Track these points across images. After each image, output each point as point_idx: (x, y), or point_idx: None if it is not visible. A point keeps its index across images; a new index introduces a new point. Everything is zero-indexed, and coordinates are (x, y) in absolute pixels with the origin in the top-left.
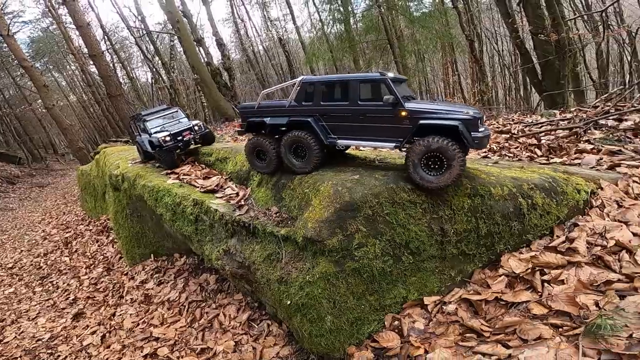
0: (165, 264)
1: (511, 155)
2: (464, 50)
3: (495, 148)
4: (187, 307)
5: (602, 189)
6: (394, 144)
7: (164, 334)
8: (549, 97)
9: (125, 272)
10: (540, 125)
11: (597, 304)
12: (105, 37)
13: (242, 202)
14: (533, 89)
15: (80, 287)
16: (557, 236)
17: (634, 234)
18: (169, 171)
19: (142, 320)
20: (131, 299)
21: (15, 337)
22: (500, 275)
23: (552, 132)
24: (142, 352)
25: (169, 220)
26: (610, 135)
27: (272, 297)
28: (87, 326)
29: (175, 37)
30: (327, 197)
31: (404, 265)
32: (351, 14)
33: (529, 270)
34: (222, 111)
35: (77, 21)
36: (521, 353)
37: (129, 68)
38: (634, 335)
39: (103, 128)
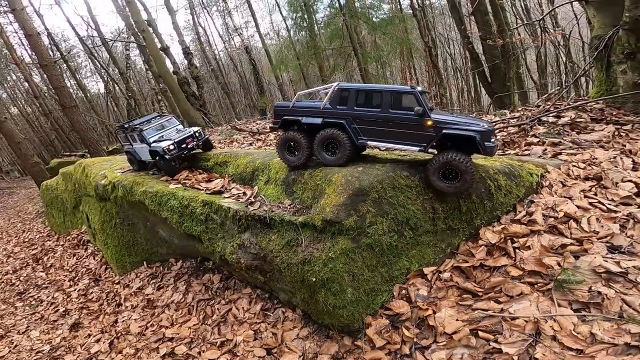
0: (161, 269)
1: None
2: (421, 55)
3: None
4: (195, 306)
5: (549, 172)
6: (418, 148)
7: (178, 334)
8: (498, 98)
9: (116, 281)
10: (494, 123)
11: (558, 264)
12: (54, 46)
13: (253, 199)
14: (483, 90)
15: (69, 299)
16: (519, 211)
17: (578, 207)
18: (168, 178)
19: (150, 323)
20: (131, 305)
21: (10, 351)
22: (480, 246)
23: (505, 129)
24: (158, 352)
25: (176, 223)
26: (552, 130)
27: (291, 281)
28: (90, 335)
29: (130, 46)
30: (340, 186)
31: (406, 239)
32: (315, 22)
33: (502, 240)
34: (192, 120)
35: (26, 30)
36: (510, 307)
37: (79, 78)
38: (592, 288)
39: (51, 142)
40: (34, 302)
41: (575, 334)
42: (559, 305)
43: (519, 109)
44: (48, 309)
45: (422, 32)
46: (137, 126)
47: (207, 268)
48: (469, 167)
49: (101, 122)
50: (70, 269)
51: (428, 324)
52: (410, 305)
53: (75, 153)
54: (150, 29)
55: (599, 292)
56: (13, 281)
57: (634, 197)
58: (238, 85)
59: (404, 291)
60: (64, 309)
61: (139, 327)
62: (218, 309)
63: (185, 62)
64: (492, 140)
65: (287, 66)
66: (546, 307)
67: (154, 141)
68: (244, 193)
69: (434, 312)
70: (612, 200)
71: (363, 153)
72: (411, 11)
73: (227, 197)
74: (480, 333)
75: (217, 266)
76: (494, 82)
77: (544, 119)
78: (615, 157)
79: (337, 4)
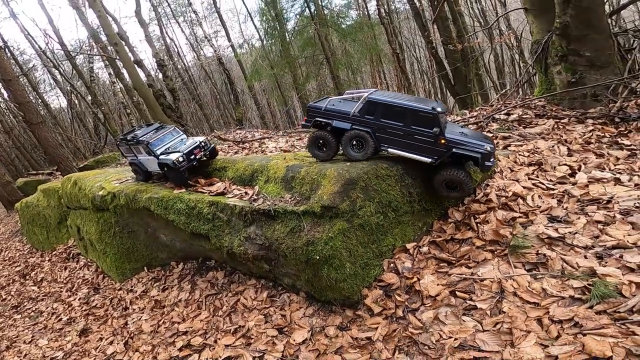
0: (163, 273)
1: None
2: (390, 60)
3: None
4: (204, 301)
5: (500, 161)
6: (430, 160)
7: (191, 327)
8: (460, 99)
9: (118, 288)
10: (456, 122)
11: (511, 233)
12: (14, 60)
13: (255, 197)
14: (448, 95)
15: (71, 308)
16: (478, 193)
17: (523, 187)
18: (173, 185)
19: (161, 321)
20: (138, 307)
21: None
22: (450, 223)
23: (465, 127)
24: (174, 346)
25: (183, 224)
26: (503, 126)
27: (296, 264)
28: (102, 338)
29: (93, 59)
30: (333, 178)
31: (390, 219)
32: (286, 31)
33: (466, 217)
34: None
35: None
36: (478, 271)
37: (39, 92)
38: (539, 252)
39: (11, 162)
40: (32, 314)
41: (531, 290)
42: (515, 267)
43: (477, 108)
44: (50, 318)
45: (390, 38)
46: (142, 139)
47: (209, 267)
48: (466, 180)
49: (68, 138)
50: (64, 281)
51: (415, 289)
52: (399, 276)
53: (42, 172)
54: (123, 42)
55: (544, 255)
56: (4, 296)
57: (568, 177)
58: (209, 96)
59: (392, 265)
60: (67, 317)
61: (151, 326)
62: (227, 301)
63: (160, 74)
64: (492, 160)
65: (261, 75)
66: (505, 269)
67: (162, 153)
68: (246, 192)
69: (419, 280)
70: (551, 180)
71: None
72: (378, 18)
73: (231, 197)
74: (457, 293)
75: (220, 264)
76: (457, 84)
77: (497, 116)
78: (553, 146)
79: (307, 13)
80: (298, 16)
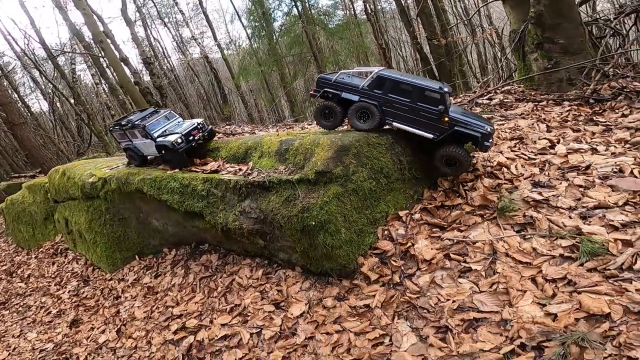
0: (155, 260)
1: None
2: (376, 58)
3: None
4: (198, 284)
5: None
6: (432, 136)
7: (186, 310)
8: None
9: (108, 278)
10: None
11: (498, 198)
12: None
13: (250, 172)
14: None
15: (60, 301)
16: None
17: (507, 158)
18: (166, 167)
19: (155, 307)
20: (130, 295)
21: (10, 354)
22: (439, 191)
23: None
24: (169, 329)
25: (177, 203)
26: (486, 109)
27: (291, 234)
28: (93, 328)
29: (75, 60)
30: (327, 145)
31: (382, 185)
32: (274, 30)
33: (455, 185)
34: None
35: None
36: (470, 234)
37: (20, 95)
38: (525, 214)
39: None
40: (21, 309)
41: (522, 250)
42: (504, 229)
43: (461, 95)
44: (39, 312)
45: (376, 34)
46: (138, 123)
47: (203, 250)
48: (465, 158)
49: (50, 140)
50: (52, 276)
51: (410, 255)
52: (393, 243)
53: (24, 174)
54: (108, 40)
55: (531, 216)
56: None
57: (548, 149)
58: (196, 96)
59: (386, 232)
60: (57, 310)
61: (144, 312)
62: (221, 282)
63: (147, 72)
64: (490, 141)
65: (249, 74)
66: (495, 232)
67: (159, 136)
68: (240, 169)
69: (413, 245)
70: (532, 152)
71: None
72: (365, 16)
73: (225, 174)
74: (452, 256)
75: (213, 246)
76: (442, 78)
77: (479, 101)
78: (533, 124)
79: (294, 12)
80: (285, 15)
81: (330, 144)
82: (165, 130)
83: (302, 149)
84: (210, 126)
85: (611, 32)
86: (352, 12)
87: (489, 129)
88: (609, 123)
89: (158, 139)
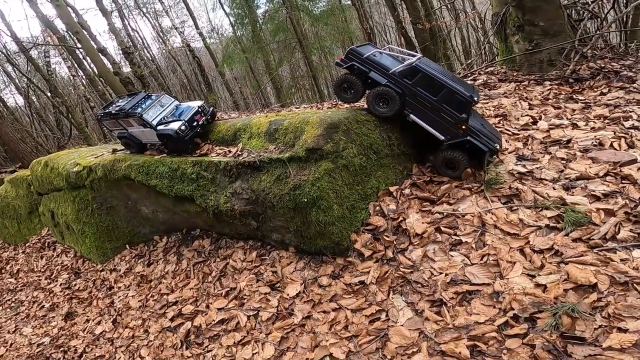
0: (146, 248)
1: None
2: (362, 43)
3: None
4: (192, 269)
5: None
6: (444, 137)
7: (181, 296)
8: None
9: (100, 269)
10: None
11: (484, 171)
12: None
13: (239, 153)
14: None
15: (52, 295)
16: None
17: None
18: (153, 152)
19: (149, 295)
20: (124, 285)
21: (7, 349)
22: (428, 167)
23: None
24: (165, 317)
25: (166, 187)
26: None
27: (284, 213)
28: (88, 320)
29: (50, 53)
30: (316, 123)
31: (372, 161)
32: (257, 17)
33: None
34: None
35: None
36: (459, 207)
37: None
38: (511, 186)
39: None
40: (13, 305)
41: (509, 221)
42: (492, 201)
43: None
44: (32, 307)
45: (361, 20)
46: (132, 112)
47: (195, 236)
48: (464, 162)
49: (28, 134)
50: (42, 270)
51: (402, 229)
52: (385, 218)
53: (4, 170)
54: (84, 31)
55: (517, 188)
56: None
57: (530, 125)
58: (179, 86)
59: (377, 208)
60: (50, 304)
61: (139, 301)
62: (215, 266)
63: (126, 63)
64: (494, 157)
65: (233, 61)
66: (483, 204)
67: (158, 123)
68: (229, 150)
69: (404, 219)
70: (515, 128)
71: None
72: (349, 2)
73: (215, 157)
74: (442, 229)
75: (205, 231)
76: None
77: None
78: (515, 102)
79: None
80: (269, 2)
81: (320, 122)
82: (164, 117)
83: (291, 127)
84: (211, 108)
85: (589, 15)
86: None
87: (498, 146)
88: (588, 101)
89: (159, 127)
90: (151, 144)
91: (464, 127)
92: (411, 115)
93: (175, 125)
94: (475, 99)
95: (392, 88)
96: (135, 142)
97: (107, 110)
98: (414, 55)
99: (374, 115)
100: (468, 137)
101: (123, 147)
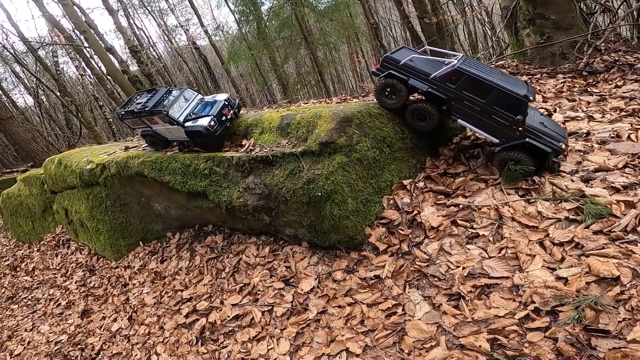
0: (159, 245)
1: None
2: (367, 39)
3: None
4: (205, 265)
5: None
6: (498, 140)
7: (195, 293)
8: None
9: (114, 266)
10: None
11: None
12: None
13: (251, 147)
14: None
15: (68, 292)
16: (466, 132)
17: None
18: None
19: (164, 292)
20: (138, 282)
21: (25, 347)
22: (442, 160)
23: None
24: (180, 313)
25: (180, 183)
26: None
27: (297, 208)
28: (104, 317)
29: (58, 52)
30: (329, 117)
31: (385, 155)
32: (262, 14)
33: (456, 153)
34: None
35: None
36: (474, 200)
37: (4, 89)
38: (528, 179)
39: None
40: (30, 302)
41: (528, 214)
42: (508, 194)
43: None
44: (48, 305)
45: (367, 14)
46: (158, 109)
47: (207, 232)
48: (527, 163)
49: (39, 133)
50: (57, 267)
51: (417, 223)
52: (399, 212)
53: (16, 169)
54: (91, 30)
55: (534, 181)
56: None
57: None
58: (185, 84)
59: (391, 201)
60: (66, 301)
61: (154, 298)
62: (228, 262)
63: (133, 61)
64: (560, 157)
65: (239, 58)
66: (500, 197)
67: (186, 120)
68: (242, 144)
69: (419, 213)
70: None
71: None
72: None
73: (228, 152)
74: (459, 222)
75: (217, 227)
76: None
77: None
78: None
79: None
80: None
81: (333, 116)
82: (190, 113)
83: (304, 122)
84: (236, 100)
85: (601, 9)
86: None
87: (563, 146)
88: (603, 93)
89: (187, 124)
90: (178, 141)
91: (520, 128)
92: (459, 120)
93: (204, 121)
94: (531, 97)
95: (435, 93)
96: (161, 139)
97: (128, 109)
98: (455, 56)
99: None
100: (527, 139)
101: (138, 145)
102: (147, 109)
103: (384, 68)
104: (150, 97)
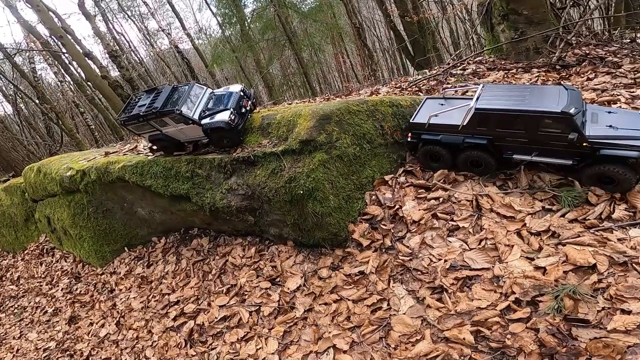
0: (145, 250)
1: None
2: (351, 39)
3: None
4: (192, 268)
5: None
6: (571, 162)
7: (182, 296)
8: (418, 65)
9: (100, 273)
10: (418, 80)
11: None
12: None
13: (234, 147)
14: (410, 68)
15: (54, 300)
16: None
17: None
18: (145, 152)
19: (151, 296)
20: (125, 287)
21: (15, 355)
22: None
23: (426, 83)
24: (168, 317)
25: (162, 187)
26: (460, 78)
27: (280, 206)
28: (92, 323)
29: (35, 59)
30: (308, 115)
31: (366, 151)
32: (245, 16)
33: None
34: None
35: None
36: (454, 193)
37: None
38: (507, 171)
39: None
40: (16, 311)
41: (505, 204)
42: (485, 185)
43: (435, 67)
44: (35, 312)
45: (350, 15)
46: (167, 110)
47: (193, 235)
48: (626, 176)
49: (19, 142)
50: (42, 275)
51: (399, 217)
52: (382, 207)
53: None
54: (69, 35)
55: (510, 172)
56: None
57: None
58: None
59: (373, 197)
60: (52, 309)
61: (141, 302)
62: (215, 264)
63: (115, 66)
64: None
65: (223, 60)
66: (478, 189)
67: (201, 117)
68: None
69: (401, 207)
70: None
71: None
72: None
73: (210, 154)
74: (439, 215)
75: (203, 230)
76: (416, 55)
77: (454, 71)
78: None
79: None
80: (256, 1)
81: (312, 114)
82: (204, 110)
83: (284, 121)
84: (252, 90)
85: (571, 3)
86: None
87: None
88: (576, 86)
89: (204, 122)
90: (192, 141)
91: (585, 143)
92: (515, 156)
93: (224, 116)
94: (572, 110)
95: (474, 142)
96: (174, 142)
97: (131, 113)
98: (476, 87)
99: None
100: (601, 152)
101: (118, 150)
102: (155, 110)
103: (415, 137)
104: (154, 98)
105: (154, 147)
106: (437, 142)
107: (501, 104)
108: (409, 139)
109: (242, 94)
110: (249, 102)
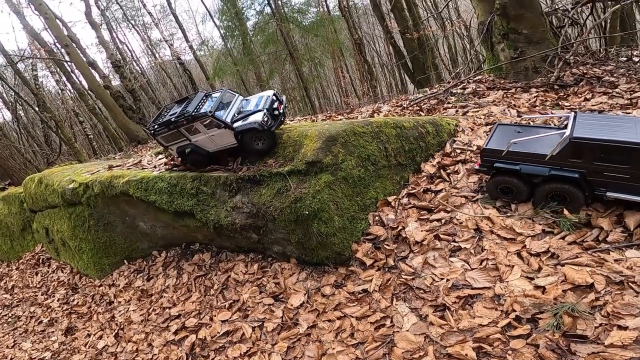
0: (145, 263)
1: None
2: (351, 54)
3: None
4: (193, 283)
5: (460, 122)
6: None
7: (183, 310)
8: (418, 82)
9: (98, 285)
10: (419, 99)
11: (480, 179)
12: None
13: (239, 166)
14: (409, 84)
15: (50, 310)
16: (447, 149)
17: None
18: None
19: (151, 309)
20: (124, 300)
21: None
22: (423, 177)
23: (427, 102)
24: (169, 330)
25: (166, 203)
26: (460, 98)
27: (285, 226)
28: (89, 334)
29: (38, 66)
30: (315, 136)
31: (370, 173)
32: (247, 29)
33: (438, 170)
34: (132, 134)
35: None
36: (456, 215)
37: None
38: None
39: None
40: (10, 320)
41: (505, 226)
42: (485, 208)
43: (436, 86)
44: (30, 322)
45: (351, 30)
46: (199, 113)
47: (194, 250)
48: None
49: (17, 150)
50: (38, 285)
51: (402, 238)
52: (385, 228)
53: None
54: (74, 44)
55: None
56: None
57: None
58: (169, 100)
59: (377, 217)
60: (48, 319)
61: (140, 315)
62: (217, 279)
63: (116, 76)
64: None
65: (225, 73)
66: (479, 210)
67: (234, 121)
68: (228, 163)
69: (404, 228)
70: None
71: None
72: (338, 12)
73: (216, 171)
74: (441, 236)
75: (205, 245)
76: (416, 71)
77: (454, 90)
78: (504, 110)
79: (267, 10)
80: (259, 14)
81: (319, 135)
82: (236, 114)
83: (290, 141)
84: (283, 96)
85: (570, 22)
86: (326, 9)
87: None
88: (574, 107)
89: (236, 125)
90: (221, 150)
91: None
92: (609, 194)
93: (257, 117)
94: None
95: (563, 175)
96: (202, 153)
97: (162, 120)
98: (563, 116)
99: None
100: None
101: (122, 164)
102: (187, 114)
103: (488, 163)
104: (185, 105)
105: (181, 161)
106: (515, 172)
107: (603, 135)
108: (477, 167)
109: (274, 97)
110: (282, 106)
